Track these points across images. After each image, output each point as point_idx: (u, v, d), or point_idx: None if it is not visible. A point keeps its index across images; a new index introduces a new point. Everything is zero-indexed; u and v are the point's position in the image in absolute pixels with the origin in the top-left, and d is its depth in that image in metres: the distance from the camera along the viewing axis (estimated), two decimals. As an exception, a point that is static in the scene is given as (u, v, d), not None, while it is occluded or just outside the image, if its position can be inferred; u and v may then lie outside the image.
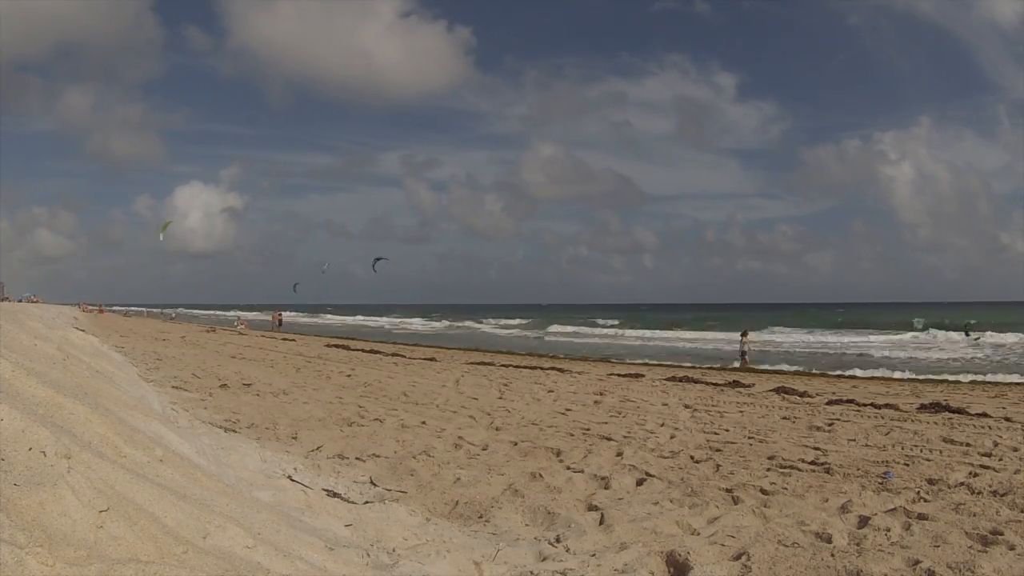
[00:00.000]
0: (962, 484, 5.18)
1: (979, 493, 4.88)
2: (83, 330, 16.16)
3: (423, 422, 7.89)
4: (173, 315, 67.69)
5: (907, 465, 5.93)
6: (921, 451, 6.67)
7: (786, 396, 11.49)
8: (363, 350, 22.47)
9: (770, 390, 12.21)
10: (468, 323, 62.72)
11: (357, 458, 5.71)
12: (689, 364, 20.62)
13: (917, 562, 3.36)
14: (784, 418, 9.09)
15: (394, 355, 20.63)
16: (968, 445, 6.94)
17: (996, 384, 14.46)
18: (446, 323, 64.07)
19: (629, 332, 45.55)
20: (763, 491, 5.00)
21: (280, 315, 42.70)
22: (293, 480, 4.47)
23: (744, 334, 22.56)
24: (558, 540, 3.82)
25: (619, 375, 15.36)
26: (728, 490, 5.01)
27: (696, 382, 13.80)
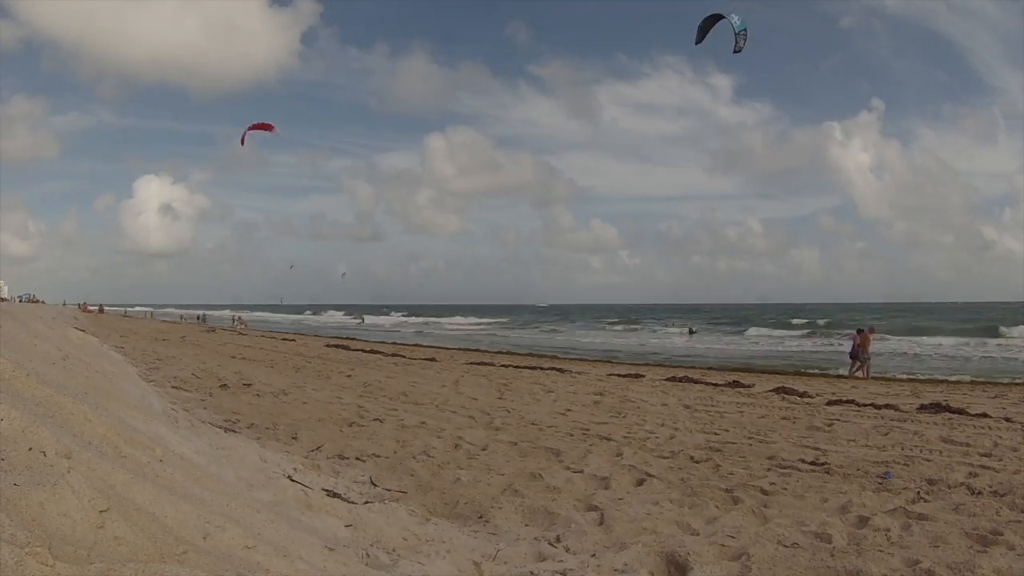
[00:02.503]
0: (962, 484, 5.18)
1: (979, 493, 4.89)
2: (83, 330, 16.16)
3: (423, 422, 7.89)
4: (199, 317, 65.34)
5: (907, 465, 5.93)
6: (921, 451, 6.67)
7: (786, 396, 11.49)
8: (363, 350, 22.47)
9: (770, 390, 12.21)
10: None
11: (357, 458, 5.71)
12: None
13: (917, 562, 3.37)
14: (784, 418, 9.09)
15: (394, 355, 20.63)
16: (968, 445, 6.95)
17: (996, 384, 14.47)
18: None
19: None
20: (763, 491, 5.01)
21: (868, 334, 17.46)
22: (293, 480, 4.46)
23: (867, 333, 17.14)
24: (558, 540, 3.82)
25: (619, 375, 15.36)
26: (728, 490, 5.02)
27: (696, 382, 13.80)
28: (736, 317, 68.83)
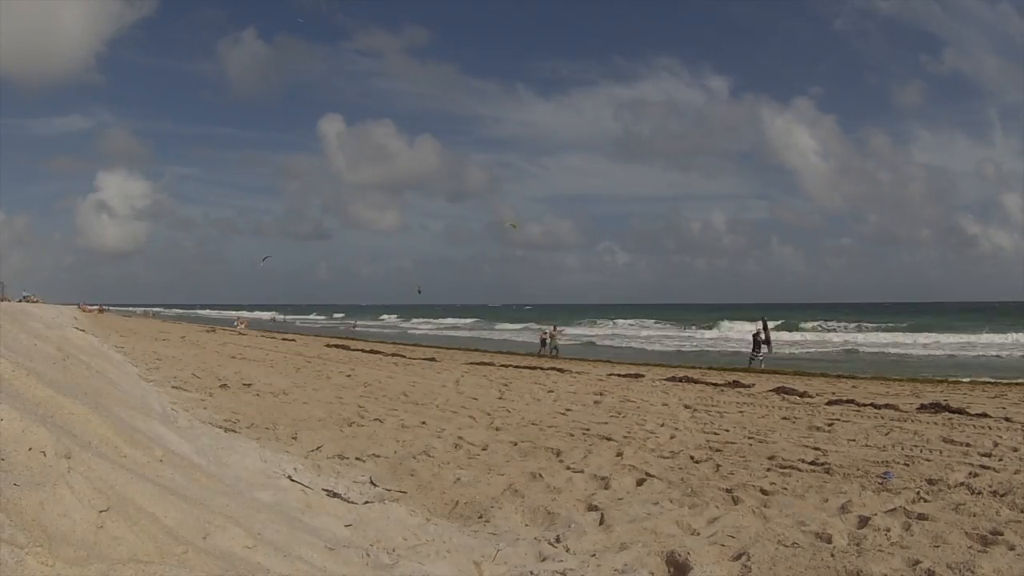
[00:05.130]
0: (962, 484, 5.18)
1: (979, 493, 4.88)
2: (83, 330, 16.16)
3: (423, 422, 7.89)
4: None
5: (907, 465, 5.92)
6: (921, 451, 6.67)
7: (786, 396, 11.49)
8: (363, 350, 22.47)
9: (770, 390, 12.21)
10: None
11: (357, 458, 5.71)
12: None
13: (917, 562, 3.36)
14: (784, 418, 9.09)
15: (394, 355, 20.63)
16: (968, 445, 6.94)
17: (996, 384, 14.47)
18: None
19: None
20: (763, 491, 5.00)
21: None
22: (293, 480, 4.47)
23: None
24: (558, 540, 3.82)
25: (619, 375, 15.36)
26: (728, 490, 5.01)
27: (696, 382, 13.80)
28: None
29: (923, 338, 36.69)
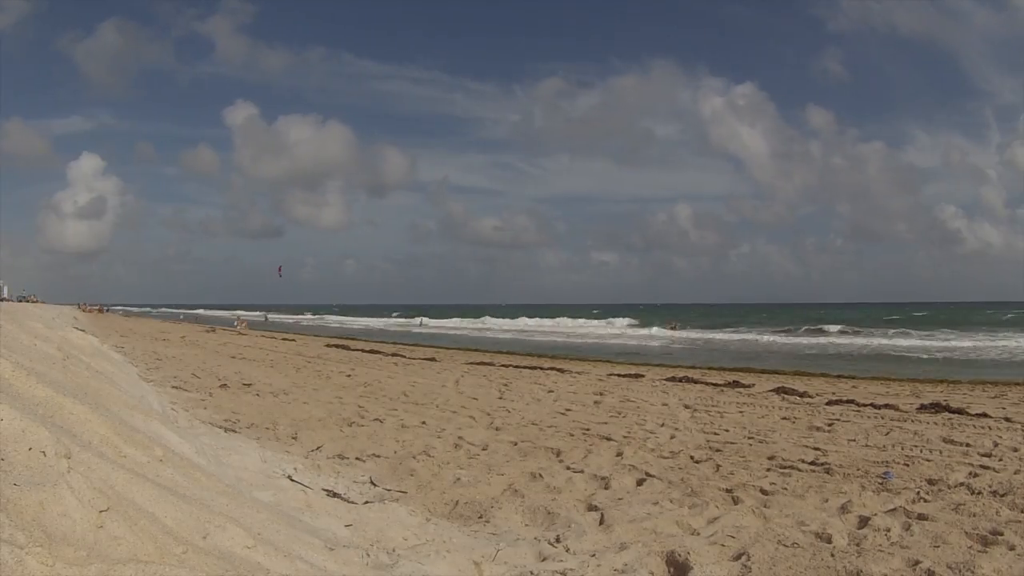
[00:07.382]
0: (962, 484, 5.18)
1: (979, 493, 4.88)
2: (83, 330, 16.15)
3: (423, 422, 7.89)
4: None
5: (907, 465, 5.93)
6: (921, 451, 6.67)
7: (786, 396, 11.49)
8: (363, 350, 22.48)
9: (770, 390, 12.21)
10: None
11: (357, 458, 5.71)
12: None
13: (917, 562, 3.37)
14: (784, 418, 9.09)
15: (394, 355, 20.63)
16: (968, 445, 6.94)
17: (996, 384, 14.46)
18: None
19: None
20: (763, 491, 5.00)
21: None
22: (293, 480, 4.47)
23: None
24: (558, 540, 3.82)
25: (619, 375, 15.36)
26: (728, 490, 5.02)
27: (696, 382, 13.79)
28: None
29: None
